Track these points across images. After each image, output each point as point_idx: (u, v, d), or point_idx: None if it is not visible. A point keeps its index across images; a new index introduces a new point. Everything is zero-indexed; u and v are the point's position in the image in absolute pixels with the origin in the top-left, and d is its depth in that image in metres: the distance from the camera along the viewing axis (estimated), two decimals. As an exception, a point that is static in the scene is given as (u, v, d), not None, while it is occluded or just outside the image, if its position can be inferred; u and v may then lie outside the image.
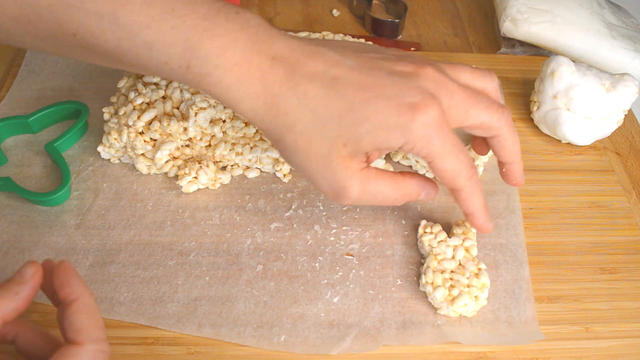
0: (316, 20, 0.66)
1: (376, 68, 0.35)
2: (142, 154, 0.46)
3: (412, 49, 0.63)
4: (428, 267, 0.40)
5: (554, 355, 0.39)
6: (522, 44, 0.62)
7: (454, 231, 0.43)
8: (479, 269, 0.40)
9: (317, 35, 0.56)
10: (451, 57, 0.60)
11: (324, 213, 0.45)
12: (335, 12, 0.68)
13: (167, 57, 0.33)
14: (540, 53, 0.62)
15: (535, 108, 0.51)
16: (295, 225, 0.45)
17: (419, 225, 0.44)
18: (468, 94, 0.36)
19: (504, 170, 0.41)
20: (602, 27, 0.60)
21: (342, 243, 0.44)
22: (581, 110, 0.48)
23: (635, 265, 0.44)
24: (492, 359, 0.38)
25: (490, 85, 0.39)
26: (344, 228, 0.45)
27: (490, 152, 0.50)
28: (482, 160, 0.49)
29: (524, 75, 0.59)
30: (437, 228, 0.43)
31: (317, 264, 0.42)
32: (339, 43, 0.38)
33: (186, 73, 0.34)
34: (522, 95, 0.57)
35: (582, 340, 0.40)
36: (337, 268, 0.42)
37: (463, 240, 0.42)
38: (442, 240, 0.42)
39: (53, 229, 0.44)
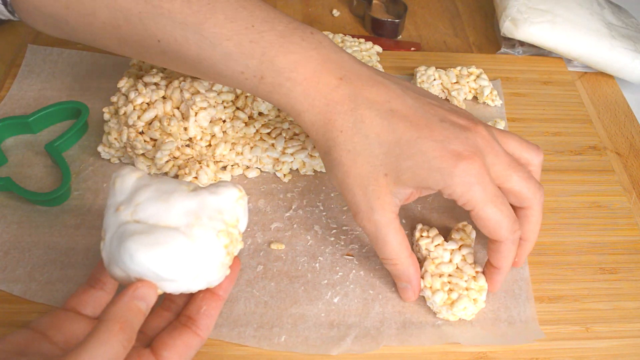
0: (316, 20, 0.66)
1: (432, 113, 0.37)
2: (142, 154, 0.46)
3: (412, 49, 0.63)
4: (426, 271, 0.40)
5: (554, 355, 0.39)
6: (522, 44, 0.62)
7: (452, 236, 0.43)
8: (477, 272, 0.40)
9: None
10: (451, 57, 0.60)
11: (324, 213, 0.45)
12: (335, 12, 0.68)
13: (243, 68, 0.37)
14: (540, 53, 0.62)
15: (101, 244, 0.33)
16: (295, 225, 0.45)
17: (415, 228, 0.44)
18: (512, 161, 0.37)
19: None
20: (602, 27, 0.60)
21: (342, 243, 0.44)
22: (153, 217, 0.32)
23: (635, 265, 0.44)
24: (492, 359, 0.38)
25: (535, 159, 0.40)
26: (344, 228, 0.45)
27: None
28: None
29: (524, 75, 0.59)
30: (434, 232, 0.43)
31: (317, 264, 0.42)
32: (402, 81, 0.40)
33: (259, 83, 0.37)
34: (524, 94, 0.57)
35: (582, 340, 0.40)
36: (337, 268, 0.42)
37: (460, 247, 0.42)
38: (439, 244, 0.42)
39: (53, 229, 0.44)
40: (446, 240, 0.42)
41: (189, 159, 0.47)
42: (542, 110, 0.56)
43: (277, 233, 0.44)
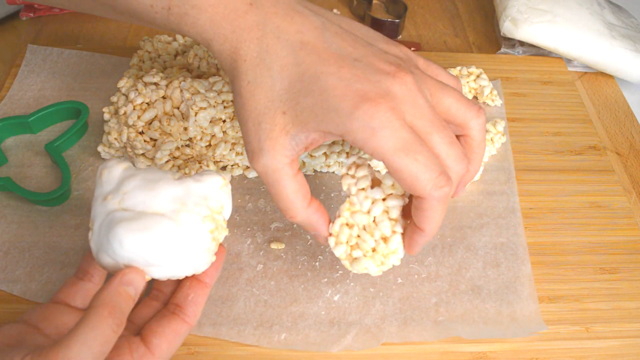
0: (316, 20, 0.66)
1: (349, 50, 0.33)
2: (142, 154, 0.46)
3: (412, 49, 0.63)
4: (339, 215, 0.36)
5: (554, 355, 0.39)
6: (522, 44, 0.62)
7: (384, 181, 0.35)
8: (394, 232, 0.35)
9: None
10: (451, 57, 0.60)
11: (324, 213, 0.45)
12: (336, 12, 0.68)
13: (152, 0, 0.34)
14: (540, 53, 0.62)
15: (90, 234, 0.34)
16: (295, 225, 0.45)
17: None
18: (435, 117, 0.32)
19: None
20: (602, 27, 0.60)
21: (342, 243, 0.44)
22: (141, 204, 0.33)
23: (635, 265, 0.44)
24: (492, 359, 0.38)
25: (472, 121, 0.35)
26: (344, 228, 0.45)
27: (488, 152, 0.50)
28: (482, 160, 0.48)
29: (524, 75, 0.59)
30: (363, 172, 0.36)
31: (317, 263, 0.42)
32: (333, 15, 0.36)
33: (168, 15, 0.34)
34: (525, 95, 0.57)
35: (583, 340, 0.40)
36: (338, 267, 0.42)
37: (387, 196, 0.35)
38: (362, 189, 0.36)
39: (53, 229, 0.44)
40: (372, 187, 0.36)
41: (189, 159, 0.47)
42: (542, 110, 0.56)
43: (277, 232, 0.44)
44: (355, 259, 0.35)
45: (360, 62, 0.32)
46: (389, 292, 0.41)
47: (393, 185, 0.35)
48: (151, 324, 0.33)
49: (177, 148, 0.46)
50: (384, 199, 0.35)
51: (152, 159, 0.46)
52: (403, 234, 0.35)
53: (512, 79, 0.59)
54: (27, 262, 0.41)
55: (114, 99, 0.48)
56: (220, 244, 0.35)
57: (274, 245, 0.43)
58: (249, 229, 0.44)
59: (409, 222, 0.35)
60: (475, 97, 0.56)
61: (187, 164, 0.46)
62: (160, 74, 0.47)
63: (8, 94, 0.53)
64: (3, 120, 0.48)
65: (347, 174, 0.36)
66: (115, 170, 0.33)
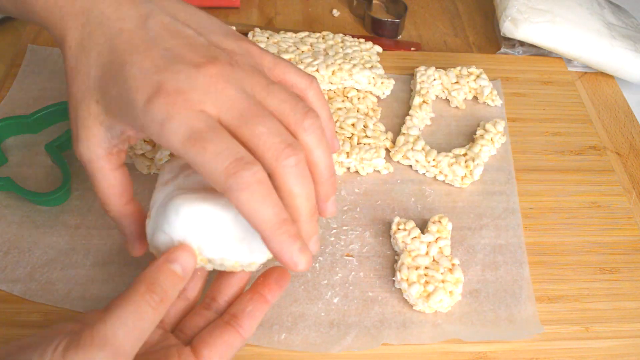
0: (316, 20, 0.66)
1: (165, 39, 0.31)
2: (142, 154, 0.46)
3: (412, 49, 0.63)
4: (402, 263, 0.41)
5: (554, 355, 0.39)
6: (522, 44, 0.62)
7: (429, 228, 0.43)
8: (453, 265, 0.41)
9: (317, 35, 0.56)
10: (451, 57, 0.60)
11: (324, 213, 0.45)
12: (336, 12, 0.68)
13: None
14: (540, 53, 0.62)
15: (147, 221, 0.33)
16: (295, 225, 0.45)
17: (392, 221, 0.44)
18: (250, 106, 0.30)
19: None
20: (602, 27, 0.60)
21: (342, 243, 0.44)
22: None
23: (635, 265, 0.44)
24: (492, 359, 0.38)
25: (309, 88, 0.34)
26: (344, 228, 0.45)
27: (488, 152, 0.50)
28: (482, 160, 0.49)
29: (524, 75, 0.59)
30: (411, 224, 0.43)
31: (317, 264, 0.42)
32: (185, 10, 0.34)
33: (14, 2, 0.34)
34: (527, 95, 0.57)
35: (582, 340, 0.40)
36: (337, 269, 0.42)
37: (437, 239, 0.42)
38: (415, 237, 0.42)
39: (53, 229, 0.44)
40: (423, 233, 0.43)
41: (189, 158, 0.47)
42: (542, 110, 0.56)
43: (277, 233, 0.44)
44: (430, 293, 0.39)
45: (169, 51, 0.30)
46: (388, 295, 0.41)
47: (438, 229, 0.43)
48: (203, 334, 0.31)
49: (177, 148, 0.46)
50: (435, 241, 0.42)
51: (152, 159, 0.46)
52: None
53: (512, 79, 0.59)
54: (27, 262, 0.41)
55: (114, 99, 0.48)
56: (284, 270, 0.34)
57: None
58: (249, 229, 0.44)
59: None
60: (475, 97, 0.56)
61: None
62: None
63: (8, 94, 0.53)
64: (3, 120, 0.48)
65: (398, 229, 0.43)
66: (177, 160, 0.34)
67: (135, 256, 0.35)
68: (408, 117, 0.51)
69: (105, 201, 0.33)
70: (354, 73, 0.52)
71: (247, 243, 0.31)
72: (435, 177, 0.48)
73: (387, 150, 0.50)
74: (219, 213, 0.30)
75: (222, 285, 0.34)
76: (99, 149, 0.32)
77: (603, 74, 0.61)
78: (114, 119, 0.31)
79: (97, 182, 0.33)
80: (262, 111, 0.30)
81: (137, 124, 0.29)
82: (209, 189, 0.31)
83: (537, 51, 0.62)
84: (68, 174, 0.45)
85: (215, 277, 0.35)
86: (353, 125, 0.49)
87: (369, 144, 0.49)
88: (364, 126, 0.50)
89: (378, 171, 0.49)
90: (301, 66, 0.51)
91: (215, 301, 0.34)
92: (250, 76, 0.31)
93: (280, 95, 0.31)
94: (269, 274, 0.34)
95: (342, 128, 0.49)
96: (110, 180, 0.33)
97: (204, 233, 0.30)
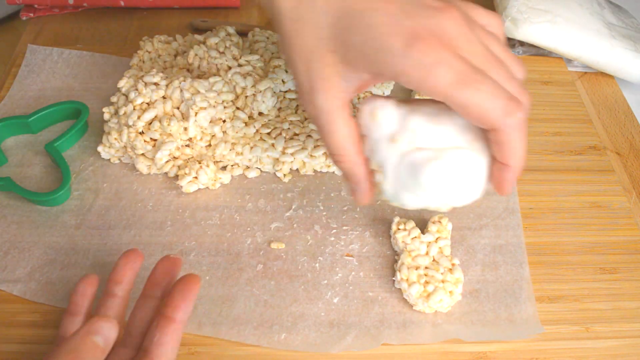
0: (316, 20, 0.66)
1: None
2: (142, 154, 0.46)
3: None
4: (402, 263, 0.41)
5: (554, 355, 0.39)
6: (522, 44, 0.62)
7: (429, 228, 0.43)
8: (453, 265, 0.41)
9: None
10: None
11: (324, 213, 0.45)
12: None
13: None
14: (540, 53, 0.62)
15: (380, 180, 0.35)
16: (295, 225, 0.45)
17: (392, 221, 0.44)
18: (488, 53, 0.30)
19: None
20: (602, 27, 0.60)
21: (342, 243, 0.44)
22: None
23: (635, 265, 0.44)
24: (492, 359, 0.38)
25: (498, 28, 0.34)
26: (344, 228, 0.45)
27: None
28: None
29: (524, 75, 0.59)
30: (411, 224, 0.43)
31: (317, 264, 0.42)
32: None
33: None
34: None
35: (582, 340, 0.40)
36: (337, 269, 0.42)
37: (437, 239, 0.42)
38: (415, 237, 0.42)
39: (53, 229, 0.44)
40: (423, 232, 0.43)
41: (189, 159, 0.47)
42: (542, 110, 0.56)
43: (277, 232, 0.44)
44: (430, 293, 0.39)
45: None
46: (388, 295, 0.41)
47: (438, 229, 0.42)
48: None
49: (177, 148, 0.46)
50: (435, 241, 0.42)
51: (152, 159, 0.46)
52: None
53: (512, 79, 0.59)
54: (27, 262, 0.41)
55: (114, 99, 0.48)
56: (187, 280, 0.34)
57: (274, 245, 0.43)
58: (249, 229, 0.44)
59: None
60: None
61: (187, 164, 0.46)
62: (160, 74, 0.47)
63: (8, 94, 0.53)
64: (3, 120, 0.48)
65: (398, 229, 0.43)
66: (388, 109, 0.33)
67: (362, 204, 0.37)
68: (408, 117, 0.51)
69: (341, 151, 0.33)
70: (354, 73, 0.52)
71: (482, 187, 0.33)
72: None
73: (387, 150, 0.50)
74: (468, 171, 0.32)
75: (136, 318, 0.34)
76: (337, 100, 0.31)
77: (603, 74, 0.61)
78: (353, 67, 0.30)
79: (335, 131, 0.32)
80: (496, 58, 0.30)
81: (392, 70, 0.29)
82: (447, 147, 0.32)
83: (537, 51, 0.62)
84: (68, 174, 0.45)
85: (131, 312, 0.35)
86: (353, 125, 0.49)
87: (369, 144, 0.49)
88: (364, 126, 0.50)
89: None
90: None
91: (130, 336, 0.33)
92: (472, 17, 0.31)
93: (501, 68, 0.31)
94: (172, 290, 0.33)
95: (342, 128, 0.49)
96: (347, 128, 0.32)
97: (454, 193, 0.32)
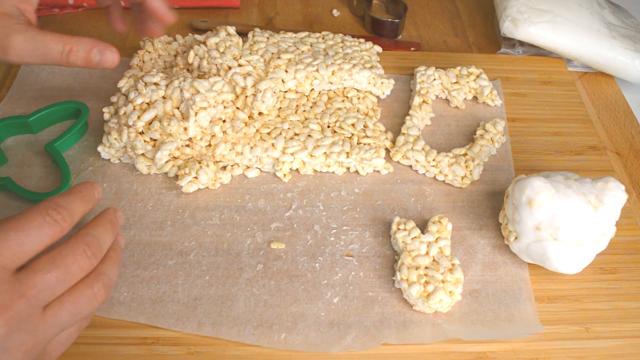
0: (316, 20, 0.66)
1: None
2: (142, 154, 0.46)
3: (412, 49, 0.63)
4: (402, 263, 0.41)
5: (554, 355, 0.39)
6: (522, 44, 0.62)
7: (429, 228, 0.43)
8: (453, 265, 0.41)
9: (317, 35, 0.56)
10: (451, 57, 0.60)
11: (324, 213, 0.45)
12: (335, 12, 0.68)
13: None
14: (540, 53, 0.62)
15: (512, 238, 0.42)
16: (295, 225, 0.45)
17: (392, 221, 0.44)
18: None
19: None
20: (602, 27, 0.60)
21: (342, 243, 0.44)
22: (571, 238, 0.40)
23: (635, 265, 0.44)
24: (492, 359, 0.38)
25: None
26: (344, 228, 0.45)
27: (488, 152, 0.50)
28: (482, 160, 0.49)
29: (524, 75, 0.59)
30: (411, 224, 0.43)
31: (317, 264, 0.42)
32: None
33: None
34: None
35: (582, 340, 0.40)
36: (337, 269, 0.42)
37: (437, 239, 0.42)
38: (415, 237, 0.42)
39: (53, 229, 0.43)
40: (423, 232, 0.43)
41: (189, 159, 0.47)
42: (542, 110, 0.56)
43: (277, 232, 0.44)
44: (430, 293, 0.39)
45: None
46: (387, 295, 0.41)
47: (438, 229, 0.43)
48: None
49: (177, 148, 0.46)
50: (435, 241, 0.42)
51: (152, 159, 0.46)
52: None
53: (512, 79, 0.59)
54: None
55: (114, 99, 0.48)
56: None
57: (274, 245, 0.43)
58: (249, 229, 0.44)
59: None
60: (475, 97, 0.56)
61: (187, 163, 0.46)
62: (160, 74, 0.47)
63: (8, 94, 0.53)
64: (3, 120, 0.48)
65: (398, 229, 0.43)
66: (545, 200, 0.39)
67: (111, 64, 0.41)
68: (408, 117, 0.51)
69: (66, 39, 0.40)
70: (354, 73, 0.52)
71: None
72: (435, 177, 0.48)
73: (387, 150, 0.50)
74: (583, 263, 0.41)
75: None
76: (19, 25, 0.37)
77: (603, 74, 0.61)
78: None
79: (45, 40, 0.39)
80: None
81: None
82: (577, 243, 0.40)
83: (537, 51, 0.62)
84: (68, 174, 0.45)
85: None
86: (353, 125, 0.49)
87: (369, 144, 0.49)
88: (364, 126, 0.50)
89: (378, 171, 0.49)
90: (301, 66, 0.51)
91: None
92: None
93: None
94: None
95: (342, 128, 0.49)
96: (47, 35, 0.39)
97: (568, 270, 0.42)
